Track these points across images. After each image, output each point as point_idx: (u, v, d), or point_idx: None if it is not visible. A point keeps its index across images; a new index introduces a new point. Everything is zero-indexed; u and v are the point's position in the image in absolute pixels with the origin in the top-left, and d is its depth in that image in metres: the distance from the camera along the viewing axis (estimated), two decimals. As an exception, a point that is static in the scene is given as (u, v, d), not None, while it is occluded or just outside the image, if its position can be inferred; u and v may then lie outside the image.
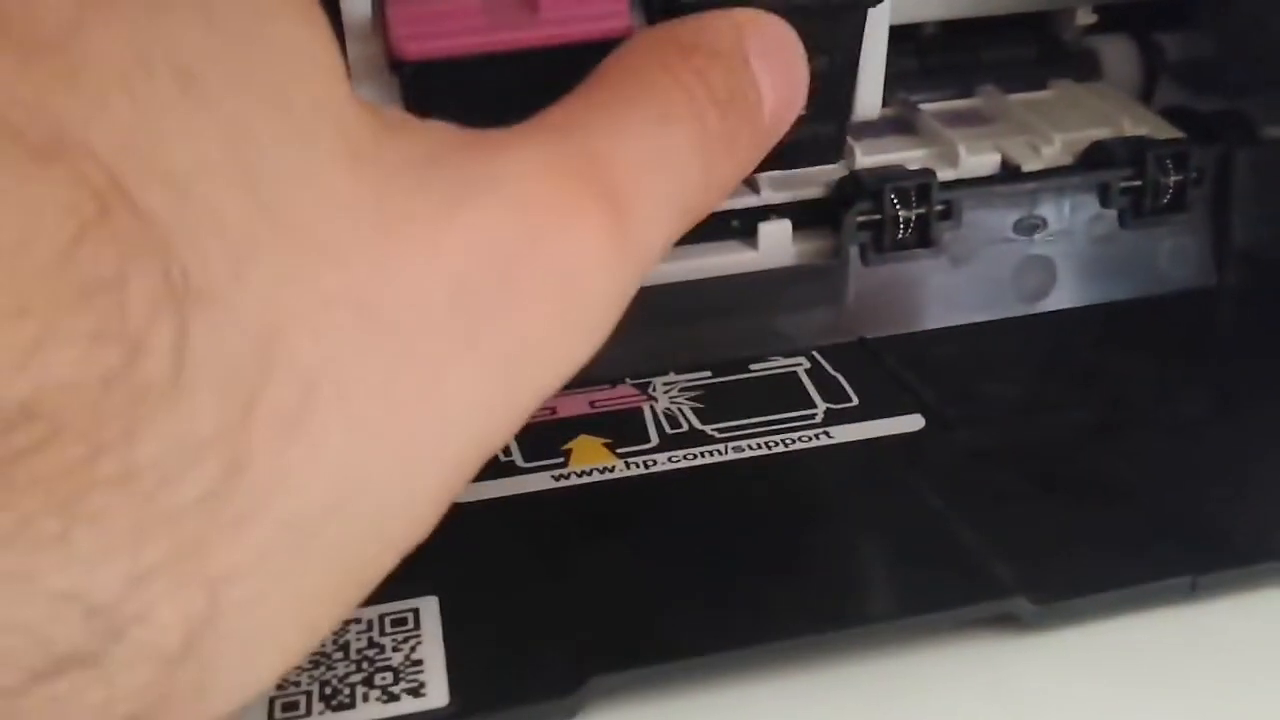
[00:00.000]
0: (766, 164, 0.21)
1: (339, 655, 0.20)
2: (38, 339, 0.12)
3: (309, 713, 0.19)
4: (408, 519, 0.16)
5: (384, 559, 0.16)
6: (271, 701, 0.19)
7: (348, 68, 0.23)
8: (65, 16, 0.13)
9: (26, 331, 0.12)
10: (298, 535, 0.14)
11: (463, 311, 0.15)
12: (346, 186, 0.15)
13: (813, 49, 0.21)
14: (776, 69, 0.20)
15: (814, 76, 0.21)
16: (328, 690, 0.19)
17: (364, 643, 0.20)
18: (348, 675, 0.19)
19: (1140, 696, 0.19)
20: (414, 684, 0.19)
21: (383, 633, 0.20)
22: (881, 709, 0.19)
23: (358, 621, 0.20)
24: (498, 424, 0.16)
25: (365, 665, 0.19)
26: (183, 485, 0.13)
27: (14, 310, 0.12)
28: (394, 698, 0.19)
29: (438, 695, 0.19)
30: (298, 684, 0.19)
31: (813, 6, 0.24)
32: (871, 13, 0.26)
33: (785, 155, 0.22)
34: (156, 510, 0.13)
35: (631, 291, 0.18)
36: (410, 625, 0.20)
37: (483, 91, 0.23)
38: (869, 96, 0.27)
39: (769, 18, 0.21)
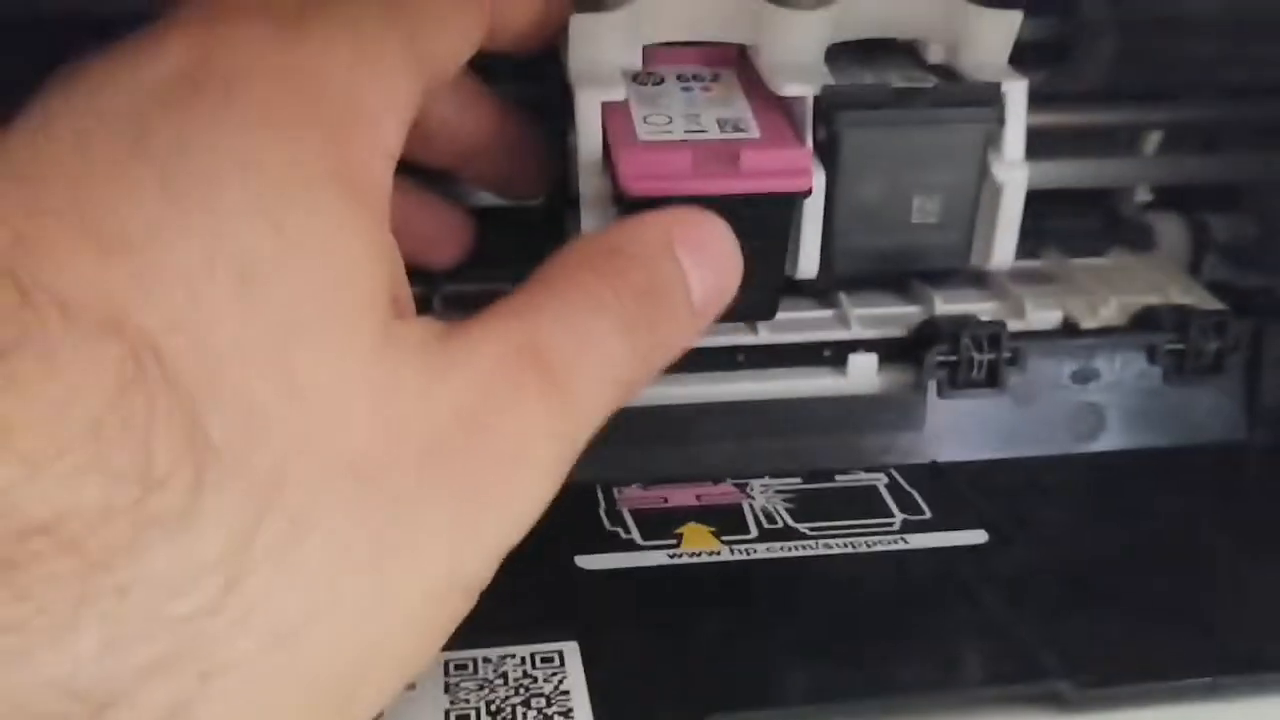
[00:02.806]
0: None
1: (499, 682, 0.24)
2: (71, 474, 0.15)
3: (478, 723, 0.23)
4: (395, 631, 0.18)
5: (384, 665, 0.18)
6: (446, 713, 0.23)
7: (579, 199, 0.28)
8: (148, 218, 0.17)
9: (60, 468, 0.15)
10: (283, 638, 0.17)
11: (433, 465, 0.19)
12: (364, 370, 0.18)
13: (745, 234, 0.24)
14: (704, 261, 0.23)
15: (746, 256, 0.24)
16: (493, 707, 0.23)
17: (519, 674, 0.24)
18: (509, 697, 0.24)
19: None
20: (564, 708, 0.23)
21: (534, 667, 0.24)
22: (946, 762, 0.23)
23: (513, 656, 0.25)
24: (467, 563, 0.19)
25: (522, 690, 0.24)
26: (188, 596, 0.16)
27: (54, 450, 0.15)
28: (548, 718, 0.23)
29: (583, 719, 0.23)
30: (467, 701, 0.23)
31: (744, 199, 0.27)
32: (1013, 178, 0.30)
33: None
34: (160, 615, 0.16)
35: (575, 451, 0.21)
36: (556, 663, 0.25)
37: None
38: (1004, 250, 0.31)
39: (699, 215, 0.23)
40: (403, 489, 0.18)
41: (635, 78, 0.30)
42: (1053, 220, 0.39)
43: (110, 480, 0.16)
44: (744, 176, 0.27)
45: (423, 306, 0.27)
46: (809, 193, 0.28)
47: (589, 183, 0.28)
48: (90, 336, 0.16)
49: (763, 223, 0.28)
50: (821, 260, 0.30)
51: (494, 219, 0.33)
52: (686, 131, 0.28)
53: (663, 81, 0.30)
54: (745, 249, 0.25)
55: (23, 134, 0.18)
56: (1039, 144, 0.32)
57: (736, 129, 0.29)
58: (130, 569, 0.16)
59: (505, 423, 0.20)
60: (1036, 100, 0.31)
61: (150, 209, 0.17)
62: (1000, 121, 0.30)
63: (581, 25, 0.27)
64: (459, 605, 0.19)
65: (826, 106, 0.29)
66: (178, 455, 0.16)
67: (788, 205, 0.29)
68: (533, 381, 0.20)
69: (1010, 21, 0.31)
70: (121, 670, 0.15)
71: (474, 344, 0.20)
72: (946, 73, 0.31)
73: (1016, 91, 0.30)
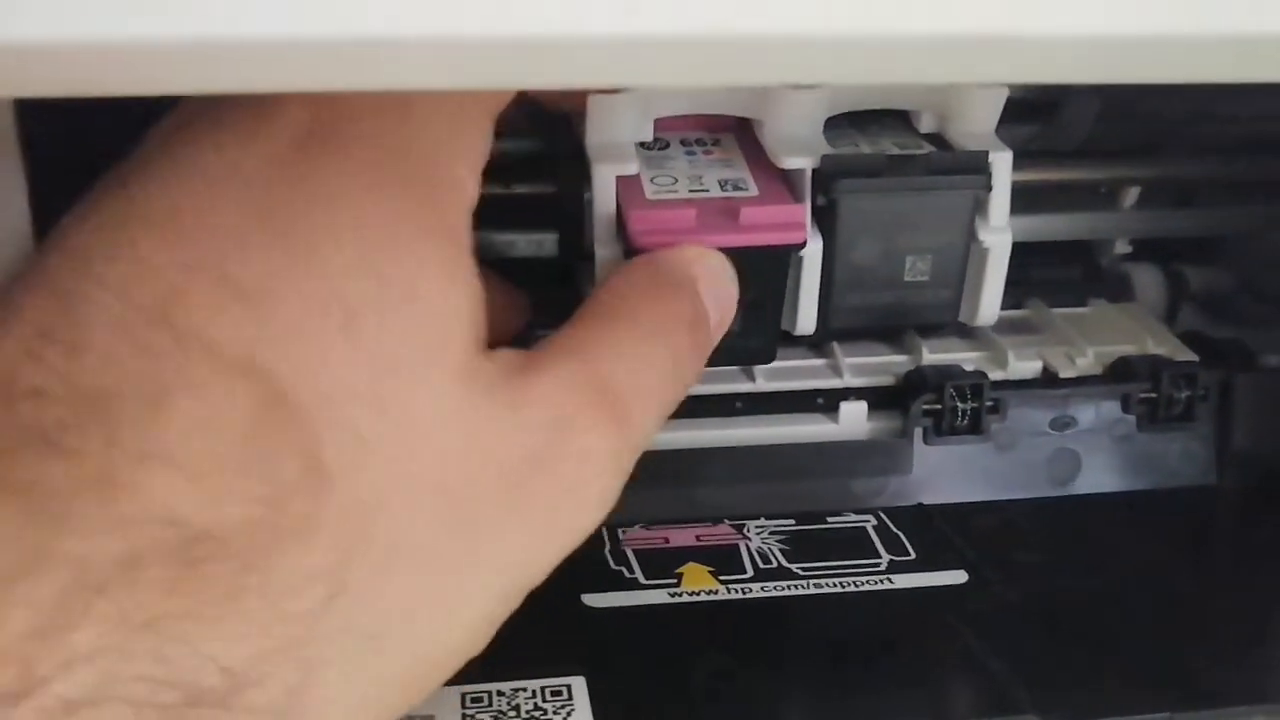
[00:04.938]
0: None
1: (512, 714, 0.26)
2: (221, 491, 0.19)
3: (495, 754, 0.25)
4: (461, 633, 0.21)
5: (446, 662, 0.21)
6: (465, 744, 0.25)
7: (594, 255, 0.29)
8: (273, 272, 0.20)
9: (212, 486, 0.19)
10: (374, 637, 0.20)
11: (511, 489, 0.21)
12: (452, 401, 0.21)
13: (745, 284, 0.28)
14: (716, 295, 0.26)
15: (747, 305, 0.28)
16: (508, 738, 0.25)
17: (531, 706, 0.26)
18: (522, 728, 0.26)
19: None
20: (574, 740, 0.25)
21: (545, 700, 0.26)
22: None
23: (525, 690, 0.27)
24: (530, 570, 0.22)
25: (535, 722, 0.26)
26: (300, 598, 0.19)
27: (208, 470, 0.19)
28: (559, 749, 0.25)
29: (592, 750, 0.25)
30: (484, 732, 0.26)
31: (743, 251, 0.29)
32: (998, 242, 0.32)
33: (722, 358, 0.28)
34: (279, 612, 0.19)
35: (628, 473, 0.23)
36: (565, 696, 0.27)
37: None
38: (989, 307, 0.34)
39: (710, 254, 0.27)
40: (484, 511, 0.21)
41: (642, 143, 0.32)
42: (1036, 270, 0.41)
43: (252, 498, 0.19)
44: (743, 230, 0.29)
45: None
46: (804, 245, 0.30)
47: (603, 244, 0.30)
48: (229, 374, 0.19)
49: (761, 273, 0.30)
50: (819, 318, 0.32)
51: (509, 270, 0.35)
52: (690, 191, 0.30)
53: (668, 146, 0.32)
54: (745, 298, 0.28)
55: (161, 187, 0.20)
56: (1025, 198, 0.34)
57: (736, 188, 0.31)
58: (265, 571, 0.19)
59: (574, 452, 0.22)
60: (1023, 157, 0.33)
61: (275, 263, 0.20)
62: (987, 189, 0.32)
63: (599, 104, 0.29)
64: (514, 606, 0.22)
65: (825, 175, 0.31)
66: (299, 477, 0.19)
67: (784, 257, 0.31)
68: (600, 416, 0.22)
69: (997, 95, 0.33)
70: (254, 653, 0.19)
71: (546, 380, 0.22)
72: (937, 141, 0.33)
73: (1002, 161, 0.32)
